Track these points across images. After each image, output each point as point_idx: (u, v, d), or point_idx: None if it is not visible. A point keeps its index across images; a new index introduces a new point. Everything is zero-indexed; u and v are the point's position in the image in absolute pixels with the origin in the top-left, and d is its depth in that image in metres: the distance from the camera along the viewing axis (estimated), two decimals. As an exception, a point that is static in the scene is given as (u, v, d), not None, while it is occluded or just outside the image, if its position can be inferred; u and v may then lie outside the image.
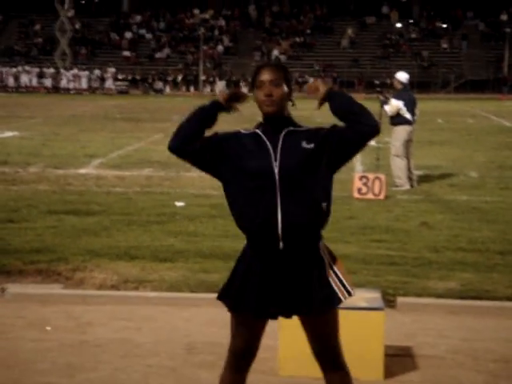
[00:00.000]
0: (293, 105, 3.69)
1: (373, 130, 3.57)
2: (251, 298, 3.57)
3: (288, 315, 3.65)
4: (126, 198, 11.43)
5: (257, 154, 3.57)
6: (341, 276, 3.65)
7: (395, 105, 12.58)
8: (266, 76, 3.58)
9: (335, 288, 3.61)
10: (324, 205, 3.57)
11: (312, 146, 3.56)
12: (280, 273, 3.55)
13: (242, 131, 3.69)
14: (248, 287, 3.58)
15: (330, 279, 3.61)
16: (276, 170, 3.52)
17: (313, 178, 3.54)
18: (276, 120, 3.61)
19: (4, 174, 13.60)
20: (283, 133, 3.60)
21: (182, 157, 3.69)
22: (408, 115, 12.72)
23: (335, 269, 3.65)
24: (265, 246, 3.55)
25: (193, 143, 3.62)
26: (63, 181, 13.02)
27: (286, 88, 3.61)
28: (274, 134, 3.59)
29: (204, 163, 3.66)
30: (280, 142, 3.57)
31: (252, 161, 3.56)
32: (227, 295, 3.66)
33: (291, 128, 3.62)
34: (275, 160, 3.54)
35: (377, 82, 49.68)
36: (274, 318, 3.68)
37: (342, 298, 3.62)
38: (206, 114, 3.66)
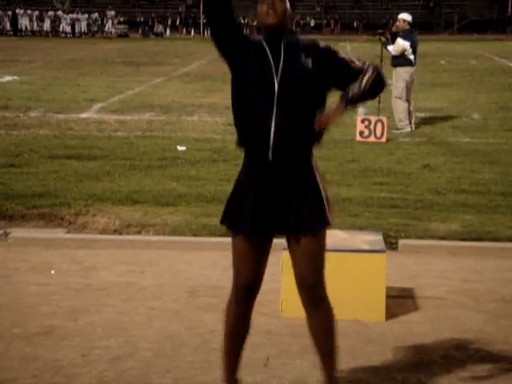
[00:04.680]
0: (291, 32, 3.68)
1: (382, 89, 3.65)
2: (247, 216, 3.59)
3: (281, 232, 3.63)
4: (128, 142, 11.40)
5: (259, 64, 3.56)
6: (327, 200, 3.66)
7: (401, 44, 12.47)
8: None
9: (326, 207, 3.63)
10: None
11: (310, 61, 3.58)
12: (271, 187, 3.57)
13: (250, 39, 3.66)
14: (243, 206, 3.62)
15: (323, 195, 3.63)
16: (276, 82, 3.53)
17: (309, 94, 3.56)
18: (278, 33, 3.58)
19: (5, 119, 13.54)
20: (283, 45, 3.58)
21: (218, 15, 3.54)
22: (412, 56, 12.65)
23: (325, 191, 3.65)
24: (256, 155, 3.58)
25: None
26: (64, 125, 12.96)
27: (288, 5, 3.58)
28: (276, 46, 3.57)
29: (229, 44, 3.58)
30: (282, 55, 3.56)
31: (254, 71, 3.56)
32: (227, 217, 3.71)
33: (291, 41, 3.61)
34: (276, 72, 3.54)
35: (378, 24, 49.06)
36: (269, 234, 3.64)
37: (329, 220, 3.64)
38: None
